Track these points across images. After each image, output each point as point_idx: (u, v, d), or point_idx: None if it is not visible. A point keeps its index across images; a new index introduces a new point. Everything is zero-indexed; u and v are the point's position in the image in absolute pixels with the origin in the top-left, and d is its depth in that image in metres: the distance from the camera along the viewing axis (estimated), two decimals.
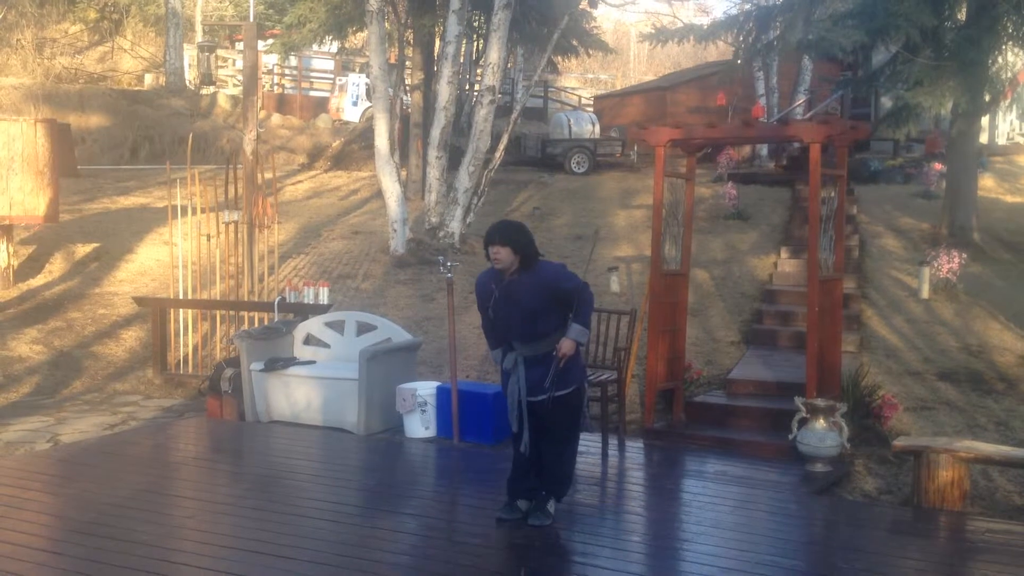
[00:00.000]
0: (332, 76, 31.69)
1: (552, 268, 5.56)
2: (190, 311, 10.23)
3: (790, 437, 6.91)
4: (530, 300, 5.38)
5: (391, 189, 13.38)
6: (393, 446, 7.62)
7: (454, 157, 14.95)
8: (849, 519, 5.97)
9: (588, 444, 7.43)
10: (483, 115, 14.01)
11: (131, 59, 31.89)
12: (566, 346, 5.37)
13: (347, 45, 26.76)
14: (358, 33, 23.12)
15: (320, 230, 15.22)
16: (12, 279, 12.05)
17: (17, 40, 28.33)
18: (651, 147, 8.34)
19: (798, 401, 6.96)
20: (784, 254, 12.63)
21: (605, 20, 40.94)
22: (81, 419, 8.51)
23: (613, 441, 7.57)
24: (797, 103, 21.32)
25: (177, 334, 10.24)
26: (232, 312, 10.14)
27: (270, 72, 30.67)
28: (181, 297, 10.36)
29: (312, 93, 31.51)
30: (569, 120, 22.35)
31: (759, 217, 14.65)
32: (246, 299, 10.33)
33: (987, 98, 12.12)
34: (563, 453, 5.58)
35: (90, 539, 5.26)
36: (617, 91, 32.78)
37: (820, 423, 6.81)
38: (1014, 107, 14.23)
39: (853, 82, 16.10)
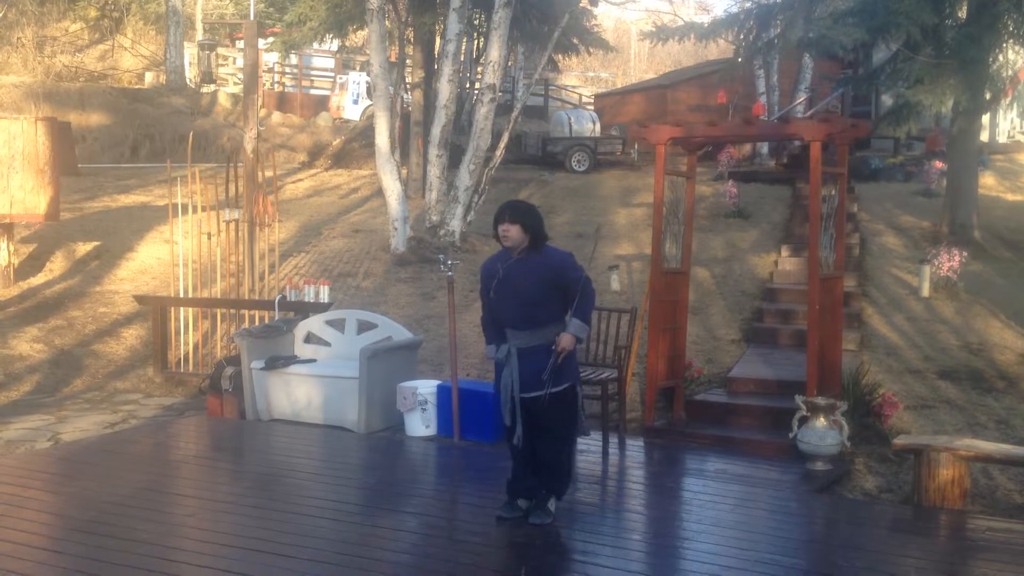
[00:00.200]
0: (333, 74, 31.70)
1: (560, 254, 5.57)
2: (191, 309, 10.23)
3: (790, 435, 6.91)
4: (534, 281, 5.37)
5: (392, 187, 13.38)
6: (394, 444, 7.63)
7: (455, 155, 14.95)
8: (849, 517, 5.97)
9: (588, 442, 7.43)
10: (484, 113, 14.00)
11: (131, 57, 31.89)
12: (565, 340, 5.35)
13: (348, 43, 26.78)
14: (359, 31, 23.11)
15: (321, 228, 15.23)
16: (13, 277, 12.05)
17: (18, 38, 28.34)
18: (652, 145, 8.34)
19: (799, 399, 6.96)
20: (785, 252, 12.62)
21: (606, 18, 40.94)
22: (82, 417, 8.52)
23: (613, 439, 7.56)
24: (798, 101, 21.31)
25: (178, 332, 10.24)
26: (233, 310, 10.14)
27: (271, 70, 30.67)
28: (182, 295, 10.36)
29: (313, 91, 31.52)
30: (570, 118, 22.34)
31: (760, 215, 14.65)
32: (247, 297, 10.34)
33: (988, 96, 12.12)
34: (561, 451, 5.57)
35: (91, 537, 5.26)
36: (618, 89, 32.76)
37: (821, 421, 6.81)
38: (1015, 105, 14.25)
39: (854, 80, 16.10)
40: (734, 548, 5.22)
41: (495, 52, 13.93)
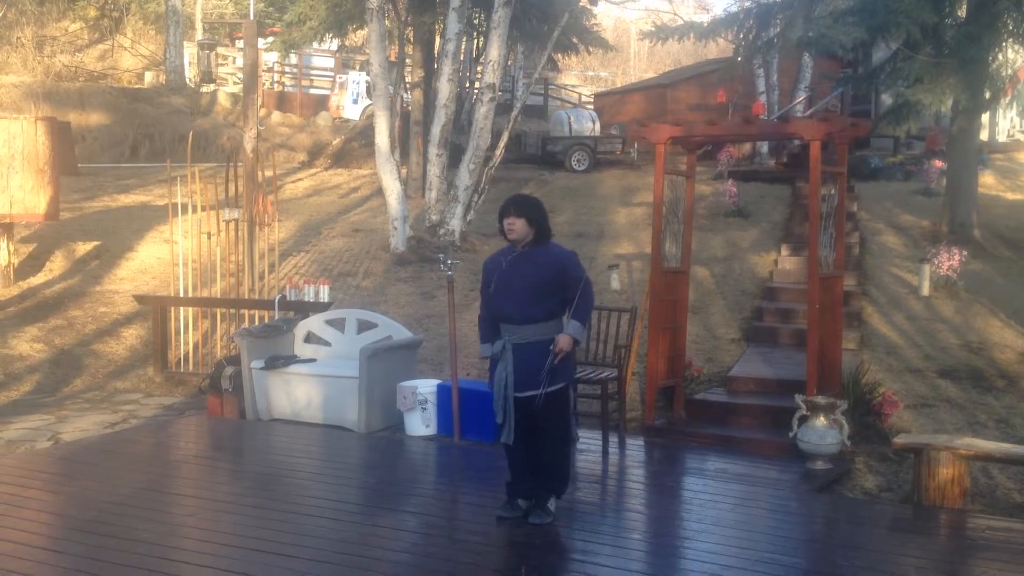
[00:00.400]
0: (332, 74, 31.69)
1: (564, 251, 5.59)
2: (191, 309, 10.23)
3: (790, 435, 6.91)
4: (535, 275, 5.39)
5: (391, 187, 13.38)
6: (393, 444, 7.63)
7: (454, 155, 14.95)
8: (849, 516, 5.97)
9: (588, 442, 7.44)
10: (483, 113, 14.00)
11: (131, 57, 31.88)
12: (563, 342, 5.36)
13: (347, 43, 26.78)
14: (358, 31, 23.11)
15: (320, 228, 15.23)
16: (13, 277, 12.05)
17: (17, 38, 28.33)
18: (651, 144, 8.34)
19: (798, 399, 6.96)
20: (784, 251, 12.63)
21: (605, 17, 40.93)
22: (82, 417, 8.52)
23: (613, 439, 7.56)
24: (797, 100, 21.32)
25: (178, 332, 10.24)
26: (233, 310, 10.14)
27: (270, 70, 30.67)
28: (182, 295, 10.36)
29: (312, 91, 31.51)
30: (569, 118, 22.34)
31: (759, 214, 14.65)
32: (247, 297, 10.34)
33: (987, 95, 12.12)
34: (558, 450, 5.57)
35: (91, 537, 5.26)
36: (617, 88, 32.75)
37: (820, 421, 6.81)
38: (1014, 104, 14.24)
39: (853, 79, 16.10)
40: (734, 547, 5.22)
41: (495, 51, 13.93)
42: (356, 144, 23.11)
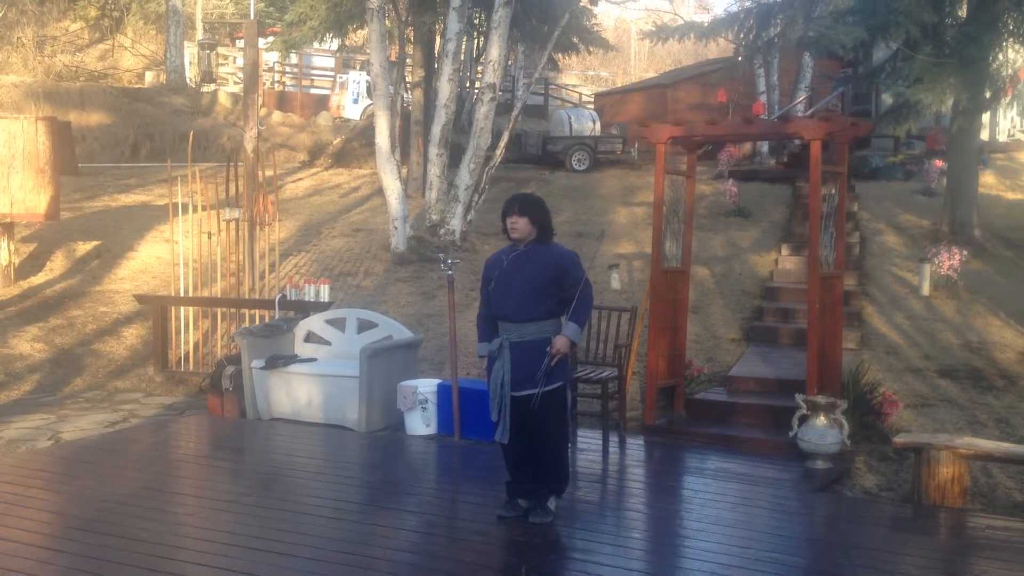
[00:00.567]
0: (333, 74, 31.71)
1: (565, 252, 5.62)
2: (191, 309, 10.24)
3: (791, 434, 6.92)
4: (536, 272, 5.40)
5: (392, 187, 13.38)
6: (394, 443, 7.63)
7: (455, 154, 14.95)
8: (849, 516, 5.98)
9: (589, 441, 7.45)
10: (484, 112, 14.00)
11: (132, 57, 31.90)
12: (560, 343, 5.37)
13: (348, 43, 26.79)
14: (359, 30, 23.13)
15: (321, 228, 15.23)
16: (13, 277, 12.06)
17: (18, 38, 28.36)
18: (652, 144, 8.35)
19: (799, 398, 6.96)
20: (785, 251, 12.63)
21: (606, 17, 41.00)
22: (82, 417, 8.52)
23: (614, 438, 7.57)
24: (798, 100, 21.32)
25: (178, 332, 10.24)
26: (233, 310, 10.14)
27: (271, 70, 30.68)
28: (182, 295, 10.36)
29: (313, 91, 31.53)
30: (570, 117, 22.35)
31: (760, 214, 14.66)
32: (247, 297, 10.34)
33: (988, 95, 12.12)
34: (557, 450, 5.57)
35: (91, 536, 5.26)
36: (618, 88, 32.77)
37: (821, 420, 6.81)
38: (1015, 104, 14.22)
39: (854, 79, 16.12)
40: (734, 546, 5.23)
41: (495, 51, 13.93)
42: (356, 144, 23.11)
